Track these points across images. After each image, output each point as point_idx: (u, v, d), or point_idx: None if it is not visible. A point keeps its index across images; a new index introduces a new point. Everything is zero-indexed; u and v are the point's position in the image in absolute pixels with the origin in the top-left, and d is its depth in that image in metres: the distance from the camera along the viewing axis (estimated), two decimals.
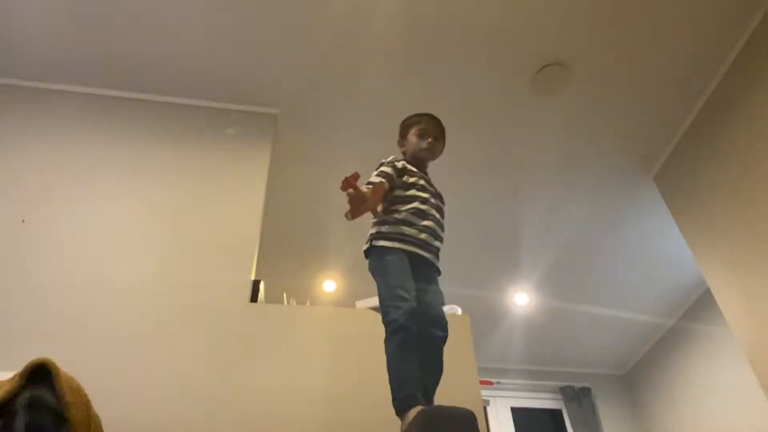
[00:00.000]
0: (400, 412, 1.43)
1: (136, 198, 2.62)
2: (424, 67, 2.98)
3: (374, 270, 1.71)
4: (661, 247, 3.99)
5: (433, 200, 1.83)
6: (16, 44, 2.83)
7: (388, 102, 3.12)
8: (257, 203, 2.71)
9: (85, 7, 2.69)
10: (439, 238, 1.80)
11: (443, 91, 3.10)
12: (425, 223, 1.75)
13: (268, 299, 2.63)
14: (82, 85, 3.01)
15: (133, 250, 2.43)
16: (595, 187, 3.62)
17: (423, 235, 1.73)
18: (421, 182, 1.85)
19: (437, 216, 1.81)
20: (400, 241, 1.70)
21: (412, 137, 1.97)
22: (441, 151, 2.02)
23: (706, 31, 2.83)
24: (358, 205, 1.60)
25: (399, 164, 1.85)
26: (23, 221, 2.42)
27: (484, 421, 1.98)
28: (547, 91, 3.06)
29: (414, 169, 1.89)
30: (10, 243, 2.35)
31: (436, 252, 1.78)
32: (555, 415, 5.16)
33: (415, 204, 1.77)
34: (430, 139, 1.94)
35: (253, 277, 2.45)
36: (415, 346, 1.53)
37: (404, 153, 2.01)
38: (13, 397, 1.11)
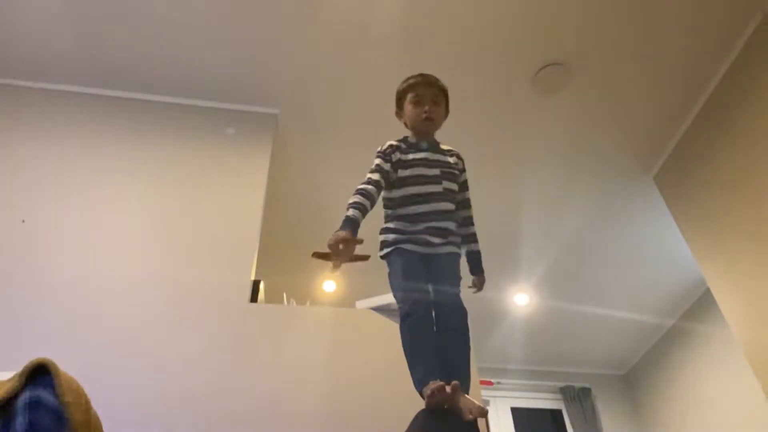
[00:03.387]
0: (420, 393, 1.43)
1: (135, 198, 2.62)
2: (424, 67, 2.95)
3: (388, 275, 1.68)
4: (661, 247, 3.99)
5: (431, 172, 1.71)
6: (16, 44, 2.83)
7: (388, 102, 3.11)
8: (257, 203, 2.71)
9: (84, 7, 2.69)
10: (447, 216, 1.69)
11: None
12: (426, 209, 1.66)
13: (268, 299, 2.63)
14: (82, 85, 3.01)
15: (133, 250, 2.43)
16: (595, 186, 3.62)
17: (424, 226, 1.65)
18: (417, 156, 1.73)
19: (439, 190, 1.69)
20: (403, 242, 1.65)
21: (408, 106, 1.81)
22: (445, 115, 1.83)
23: (706, 31, 2.83)
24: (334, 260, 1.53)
25: (388, 149, 1.74)
26: (23, 221, 2.42)
27: (485, 421, 1.98)
28: (547, 91, 3.06)
29: (406, 145, 1.77)
30: (10, 243, 2.35)
31: (445, 233, 1.67)
32: (555, 415, 5.16)
33: (412, 190, 1.68)
34: (427, 107, 1.77)
35: (253, 277, 2.45)
36: (427, 329, 1.52)
37: (405, 124, 1.86)
38: (12, 397, 1.11)
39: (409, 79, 1.84)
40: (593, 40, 2.86)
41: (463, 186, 1.83)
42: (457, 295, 1.62)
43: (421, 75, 1.83)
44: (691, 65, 2.97)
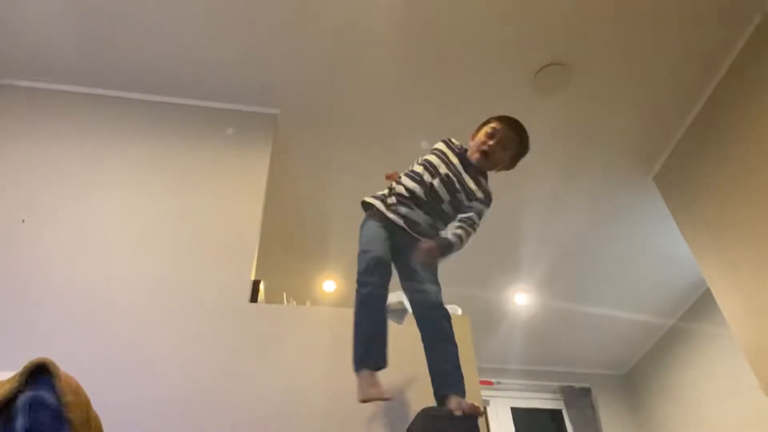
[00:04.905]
0: (356, 372, 1.46)
1: (135, 198, 2.62)
2: (424, 67, 2.98)
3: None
4: (661, 247, 3.99)
5: (435, 181, 1.77)
6: (16, 44, 2.83)
7: (388, 102, 3.13)
8: (257, 203, 2.71)
9: (85, 7, 2.69)
10: (435, 214, 1.77)
11: (443, 90, 3.10)
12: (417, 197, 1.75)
13: (268, 299, 2.63)
14: (82, 85, 3.01)
15: (133, 250, 2.43)
16: (595, 187, 3.62)
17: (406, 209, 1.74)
18: (451, 159, 1.82)
19: (436, 198, 1.77)
20: (384, 209, 1.75)
21: (481, 133, 1.87)
22: (505, 164, 1.88)
23: (706, 31, 2.83)
24: None
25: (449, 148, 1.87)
26: (23, 221, 2.42)
27: (485, 421, 1.98)
28: (547, 91, 3.06)
29: (444, 153, 1.84)
30: (10, 243, 2.35)
31: (415, 226, 1.74)
32: (555, 415, 5.15)
33: (419, 174, 1.80)
34: (491, 142, 1.81)
35: (253, 277, 2.45)
36: (377, 306, 1.55)
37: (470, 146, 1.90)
38: (12, 397, 1.11)
39: (502, 116, 1.88)
40: (593, 40, 2.86)
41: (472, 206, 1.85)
42: (437, 295, 1.64)
43: (514, 120, 1.87)
44: (691, 66, 2.97)
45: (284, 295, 2.66)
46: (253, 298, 2.37)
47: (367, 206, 1.79)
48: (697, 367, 4.47)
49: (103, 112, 2.96)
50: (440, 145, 1.89)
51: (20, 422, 1.07)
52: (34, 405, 1.10)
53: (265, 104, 3.14)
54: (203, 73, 3.00)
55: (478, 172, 1.85)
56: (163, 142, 2.89)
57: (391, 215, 1.72)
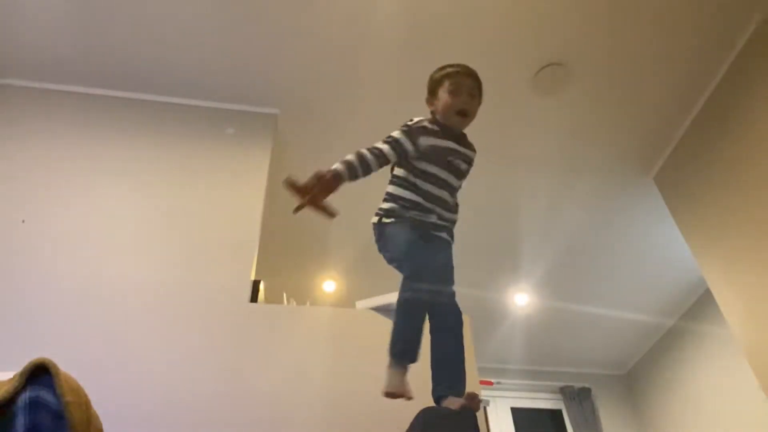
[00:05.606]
0: (393, 355, 1.44)
1: (136, 198, 2.62)
2: (424, 67, 2.95)
3: (378, 241, 1.70)
4: (661, 247, 3.99)
5: (444, 175, 1.70)
6: (16, 44, 2.83)
7: (387, 101, 3.12)
8: (257, 203, 2.71)
9: (85, 7, 2.69)
10: (445, 214, 1.71)
11: None
12: (432, 208, 1.68)
13: (268, 299, 2.63)
14: (82, 85, 3.01)
15: (133, 250, 2.43)
16: (595, 187, 3.62)
17: (431, 221, 1.68)
18: (443, 145, 1.70)
19: (444, 193, 1.71)
20: (409, 215, 1.66)
21: (443, 94, 1.71)
22: (477, 109, 1.76)
23: (705, 32, 2.83)
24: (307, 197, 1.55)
25: (416, 130, 1.68)
26: (23, 221, 2.42)
27: (485, 421, 1.98)
28: (547, 91, 3.06)
29: (438, 127, 1.70)
30: (10, 243, 2.35)
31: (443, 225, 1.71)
32: (555, 415, 5.16)
33: (428, 187, 1.68)
34: (462, 98, 1.68)
35: (253, 277, 2.45)
36: (422, 317, 1.51)
37: (433, 113, 1.77)
38: (12, 397, 1.11)
39: (446, 67, 1.76)
40: (593, 40, 2.86)
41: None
42: (453, 293, 1.62)
43: (460, 65, 1.75)
44: (691, 65, 2.97)
45: (284, 295, 2.66)
46: (253, 298, 2.38)
47: (386, 216, 1.68)
48: (697, 367, 4.47)
49: (103, 112, 2.96)
50: (404, 140, 1.70)
51: (20, 422, 1.07)
52: (34, 405, 1.10)
53: (265, 104, 3.14)
54: (203, 73, 3.00)
55: (464, 141, 1.79)
56: (163, 142, 2.89)
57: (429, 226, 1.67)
